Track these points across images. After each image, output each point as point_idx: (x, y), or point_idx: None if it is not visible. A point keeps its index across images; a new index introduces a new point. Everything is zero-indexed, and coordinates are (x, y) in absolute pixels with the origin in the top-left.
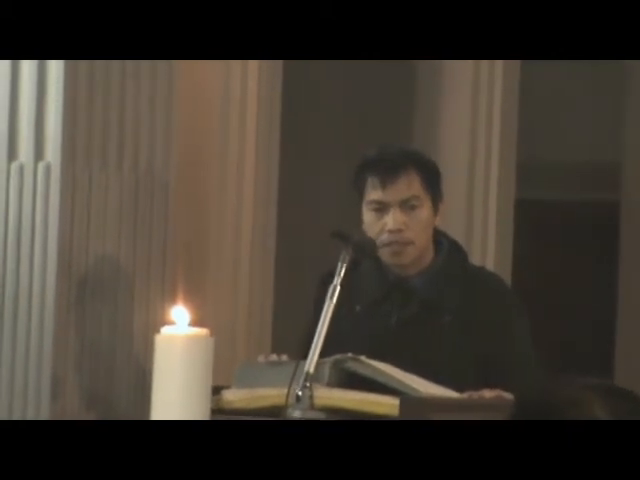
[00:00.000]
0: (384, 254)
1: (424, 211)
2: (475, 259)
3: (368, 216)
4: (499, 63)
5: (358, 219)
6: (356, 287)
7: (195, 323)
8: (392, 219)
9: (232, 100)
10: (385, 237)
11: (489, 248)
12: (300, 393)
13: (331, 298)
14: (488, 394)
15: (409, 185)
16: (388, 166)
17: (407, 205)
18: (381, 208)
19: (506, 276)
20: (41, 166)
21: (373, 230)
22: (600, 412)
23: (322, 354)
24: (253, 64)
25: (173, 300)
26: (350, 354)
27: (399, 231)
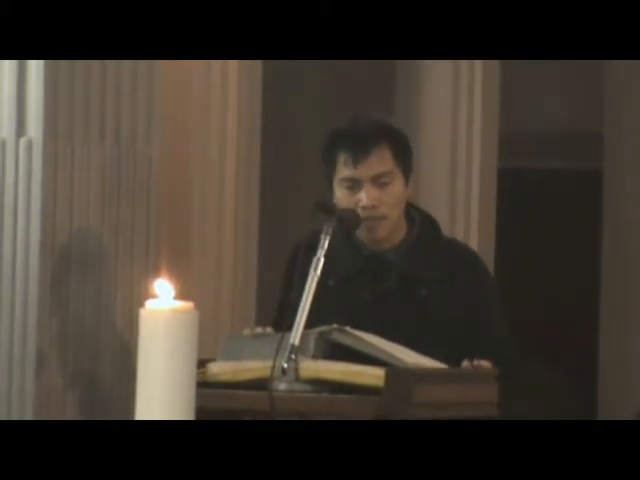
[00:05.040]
0: (358, 230)
1: (396, 185)
2: (459, 229)
3: (340, 192)
4: None
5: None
6: (328, 262)
7: (179, 297)
8: (365, 195)
9: (213, 72)
10: (359, 213)
11: (472, 218)
12: (285, 365)
13: (315, 270)
14: (474, 364)
15: (381, 161)
16: (360, 142)
17: (380, 181)
18: (353, 185)
19: (489, 246)
20: (23, 141)
21: (346, 206)
22: None
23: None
24: None
25: (157, 274)
26: (335, 325)
27: (373, 207)
